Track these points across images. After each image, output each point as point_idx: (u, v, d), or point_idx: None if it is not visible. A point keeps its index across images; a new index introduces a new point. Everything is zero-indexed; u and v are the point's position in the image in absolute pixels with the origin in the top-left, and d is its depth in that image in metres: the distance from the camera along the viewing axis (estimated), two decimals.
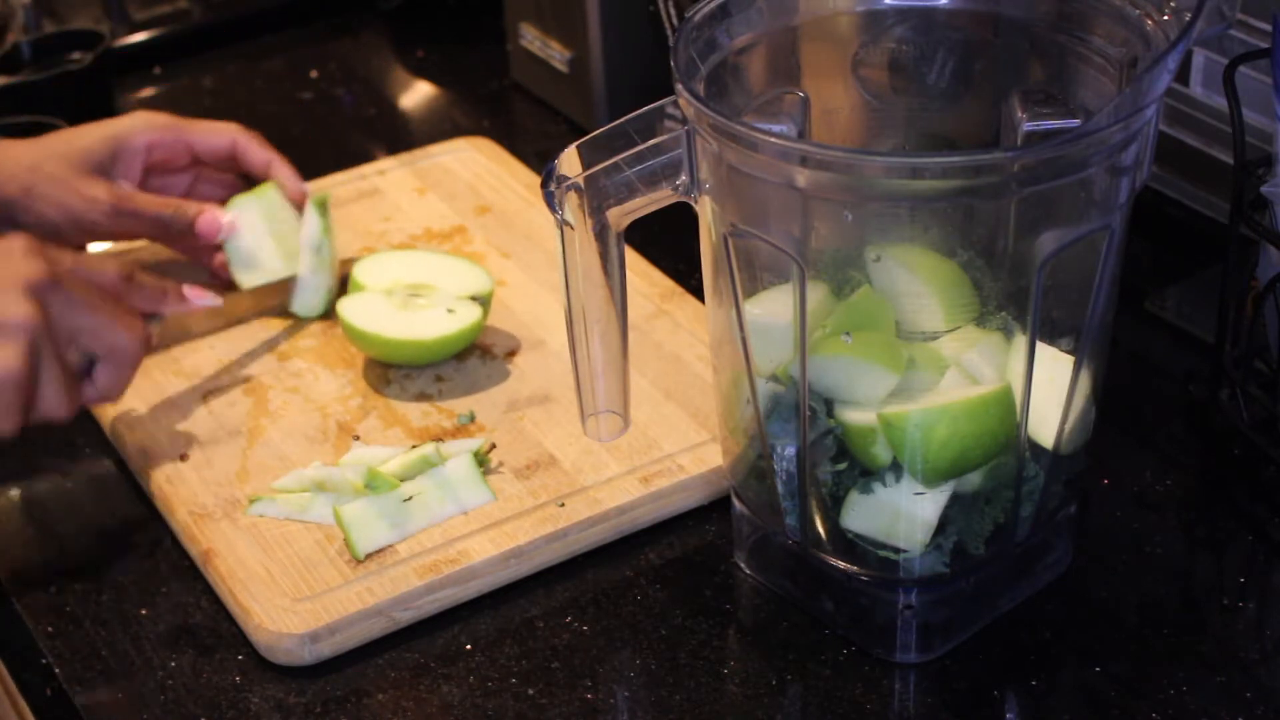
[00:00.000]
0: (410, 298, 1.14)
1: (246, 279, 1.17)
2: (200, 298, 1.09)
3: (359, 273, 1.16)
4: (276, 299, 1.19)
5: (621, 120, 0.87)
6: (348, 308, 1.13)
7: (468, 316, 1.13)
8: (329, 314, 1.18)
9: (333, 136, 1.48)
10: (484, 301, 1.15)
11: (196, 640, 0.98)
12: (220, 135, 1.19)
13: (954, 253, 0.86)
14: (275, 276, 1.18)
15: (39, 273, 0.96)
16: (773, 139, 0.82)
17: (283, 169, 1.20)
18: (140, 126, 1.17)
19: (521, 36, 1.47)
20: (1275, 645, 0.95)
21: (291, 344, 1.17)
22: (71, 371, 0.98)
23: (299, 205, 1.19)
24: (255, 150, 1.20)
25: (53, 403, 0.97)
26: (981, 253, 0.86)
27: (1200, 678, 0.92)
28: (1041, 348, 0.86)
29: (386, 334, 1.12)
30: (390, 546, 1.00)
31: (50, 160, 1.14)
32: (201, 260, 1.20)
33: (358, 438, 1.09)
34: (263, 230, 1.17)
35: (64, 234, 1.14)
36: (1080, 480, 0.95)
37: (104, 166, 1.16)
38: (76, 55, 1.49)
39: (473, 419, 1.09)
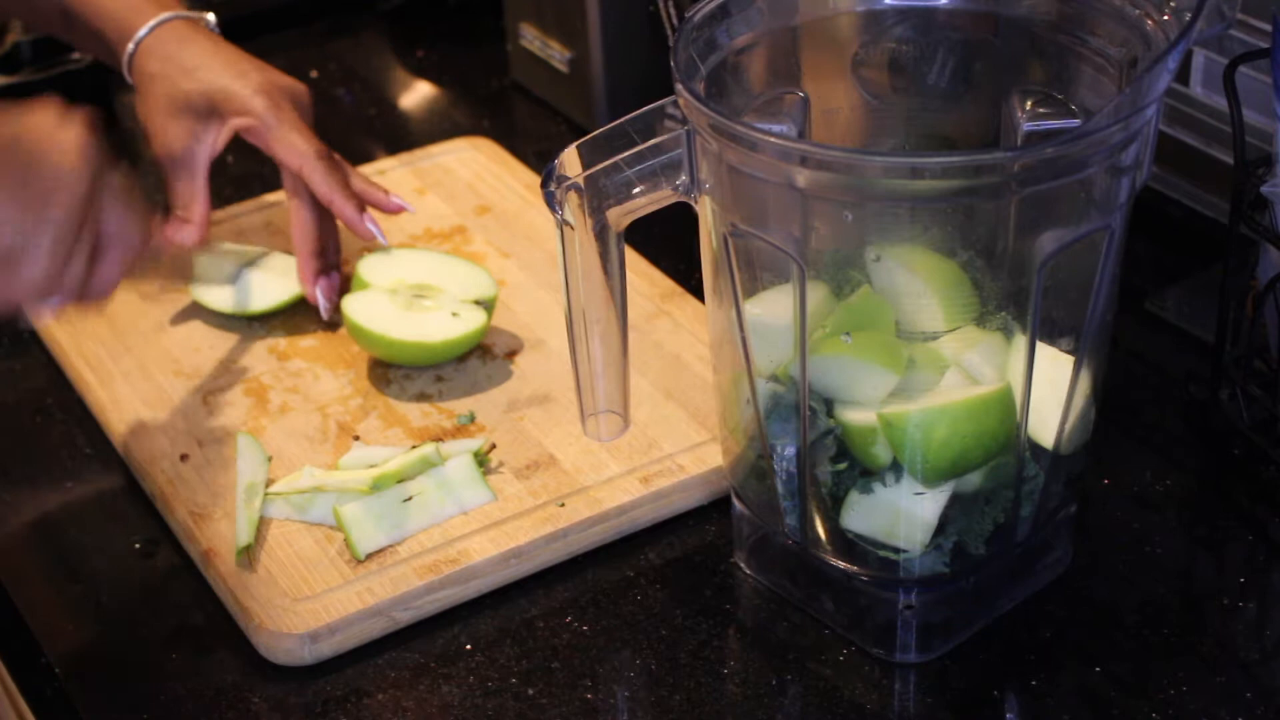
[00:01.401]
0: (415, 299, 1.14)
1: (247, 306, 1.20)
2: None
3: (364, 270, 1.16)
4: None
5: (621, 120, 0.87)
6: (353, 305, 1.13)
7: (473, 321, 1.13)
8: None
9: (333, 136, 1.47)
10: (488, 306, 1.15)
11: (196, 640, 0.98)
12: (293, 156, 1.18)
13: (954, 253, 0.86)
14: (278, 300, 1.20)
15: (92, 143, 0.98)
16: (773, 139, 0.82)
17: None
18: (238, 105, 1.18)
19: (521, 36, 1.47)
20: (1275, 645, 0.95)
21: (291, 344, 1.17)
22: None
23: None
24: (318, 182, 1.18)
25: (74, 273, 0.96)
26: (981, 253, 0.86)
27: (1200, 678, 0.92)
28: (1041, 348, 0.86)
29: (392, 335, 1.12)
30: (390, 546, 1.00)
31: (163, 78, 1.19)
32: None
33: (358, 438, 1.09)
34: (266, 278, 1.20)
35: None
36: (1080, 480, 0.95)
37: (193, 117, 1.19)
38: (76, 55, 1.49)
39: (473, 419, 1.09)
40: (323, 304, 1.18)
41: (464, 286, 1.15)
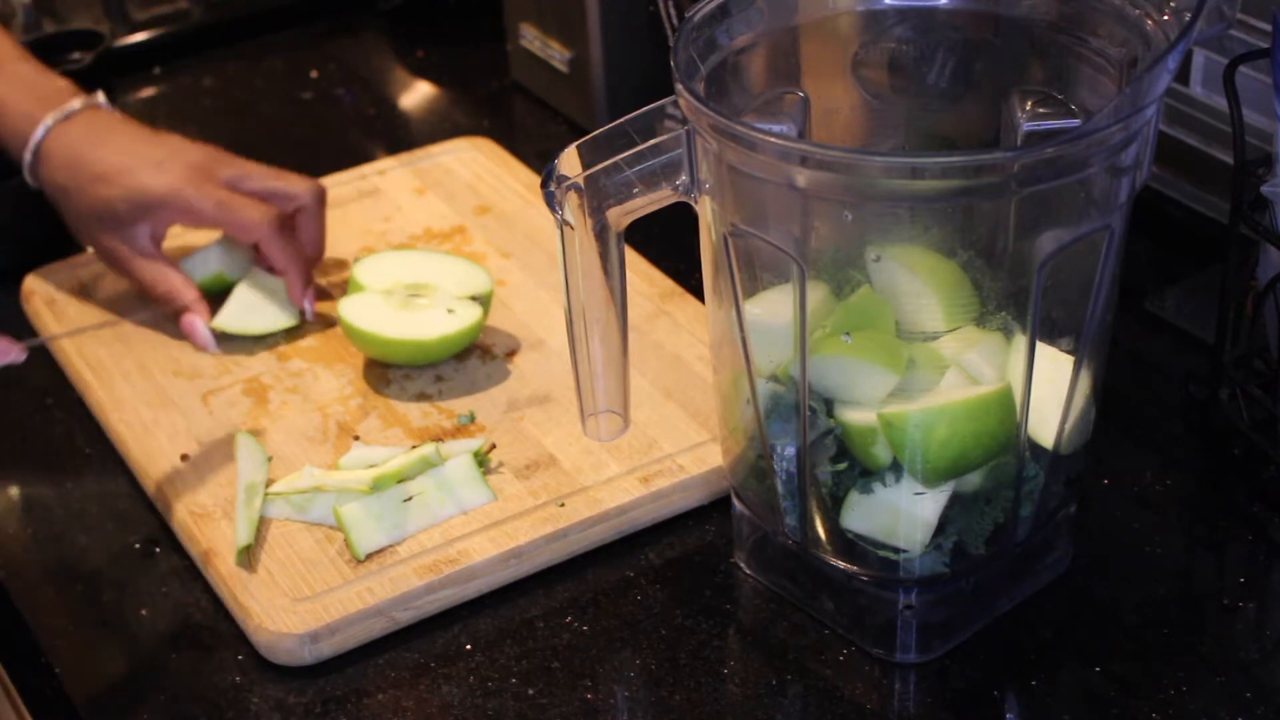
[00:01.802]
0: (410, 298, 1.14)
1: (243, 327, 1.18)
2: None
3: (359, 273, 1.16)
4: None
5: (621, 120, 0.87)
6: (348, 308, 1.13)
7: (468, 316, 1.13)
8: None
9: (333, 136, 1.48)
10: (484, 301, 1.15)
11: (196, 640, 0.98)
12: (248, 234, 1.16)
13: (954, 253, 0.86)
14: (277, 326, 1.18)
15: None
16: (773, 139, 0.82)
17: (294, 283, 1.17)
18: (173, 204, 1.15)
19: (521, 36, 1.47)
20: (1275, 645, 0.95)
21: (291, 344, 1.17)
22: None
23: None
24: (276, 255, 1.17)
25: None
26: (981, 253, 0.86)
27: (1200, 678, 0.92)
28: (1041, 348, 0.86)
29: (387, 334, 1.12)
30: (390, 546, 1.00)
31: (76, 190, 1.16)
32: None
33: (358, 438, 1.09)
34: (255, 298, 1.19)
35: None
36: (1080, 480, 0.95)
37: (123, 224, 1.16)
38: (76, 55, 1.49)
39: (473, 419, 1.09)
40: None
41: (459, 283, 1.15)
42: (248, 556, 0.99)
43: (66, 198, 1.17)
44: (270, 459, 1.06)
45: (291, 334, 1.18)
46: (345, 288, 1.18)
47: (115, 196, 1.15)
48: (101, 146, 1.17)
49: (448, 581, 0.98)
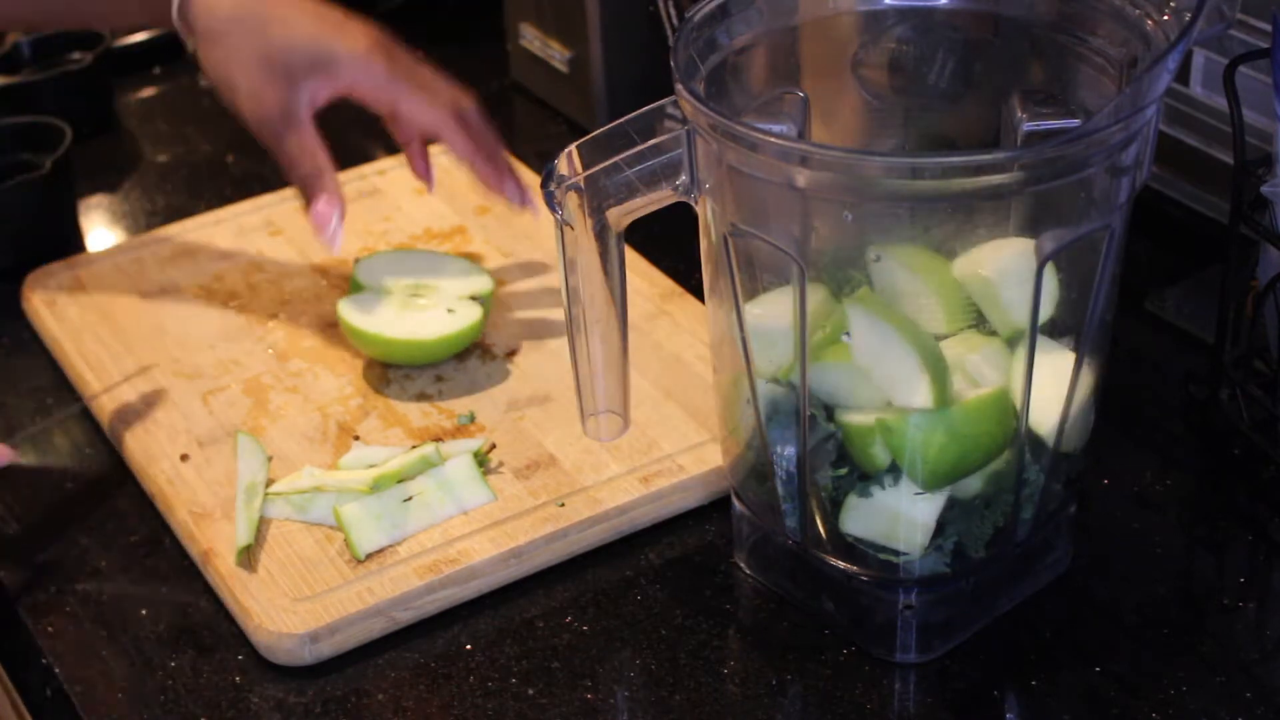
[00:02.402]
0: (411, 298, 1.14)
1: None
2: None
3: (359, 272, 1.16)
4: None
5: (621, 120, 0.87)
6: (347, 308, 1.13)
7: (468, 316, 1.13)
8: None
9: (333, 136, 1.47)
10: (484, 301, 1.15)
11: (196, 640, 0.98)
12: (429, 117, 1.08)
13: (954, 253, 0.86)
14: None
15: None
16: (773, 139, 0.82)
17: (486, 170, 1.10)
18: (355, 65, 1.06)
19: (521, 36, 1.47)
20: (1275, 645, 0.95)
21: (291, 344, 1.17)
22: None
23: (499, 194, 1.11)
24: (458, 144, 1.09)
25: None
26: None
27: (1200, 678, 0.92)
28: (1042, 347, 0.86)
29: (387, 334, 1.12)
30: (390, 546, 1.00)
31: (245, 26, 1.05)
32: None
33: (358, 438, 1.09)
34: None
35: (217, 85, 1.09)
36: (1080, 480, 0.95)
37: (294, 73, 1.06)
38: (76, 55, 1.49)
39: (473, 419, 1.09)
40: (525, 200, 1.10)
41: (459, 283, 1.15)
42: (248, 556, 0.99)
43: (230, 32, 1.05)
44: (270, 459, 1.06)
45: (291, 334, 1.18)
46: (346, 288, 1.18)
47: (294, 42, 1.05)
48: None
49: (448, 581, 0.98)
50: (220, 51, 1.06)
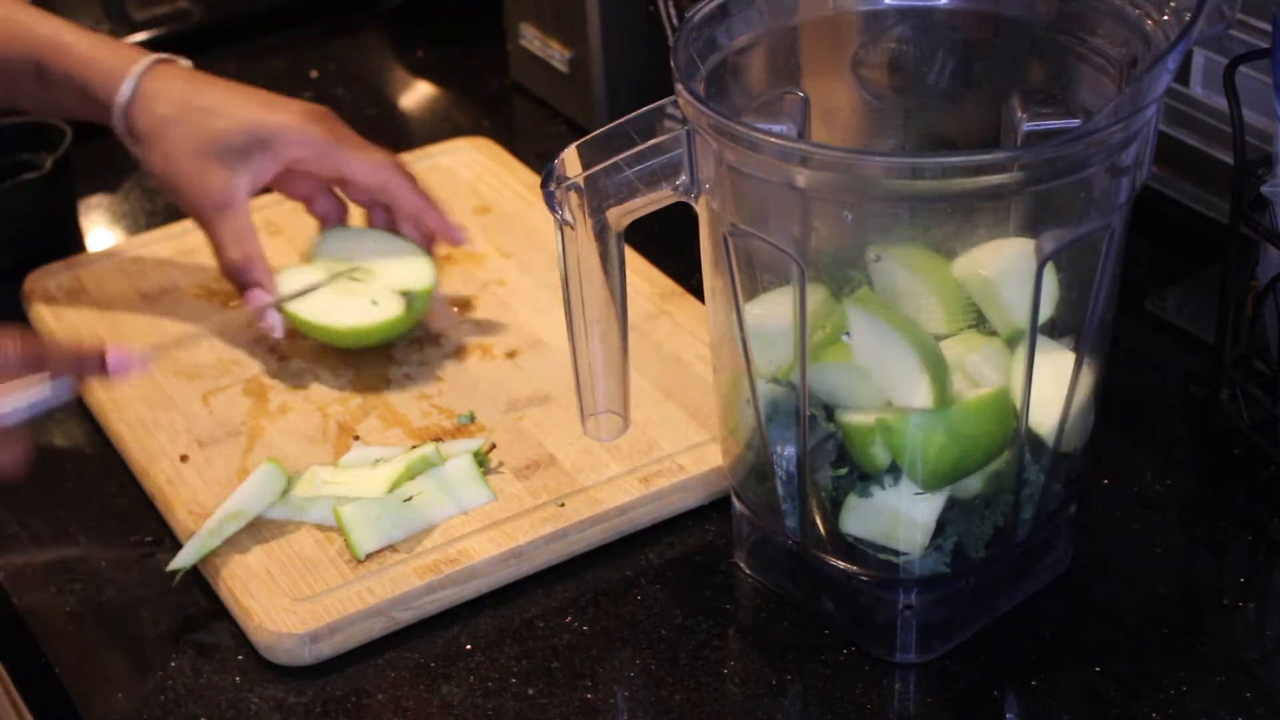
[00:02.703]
0: (348, 280, 1.13)
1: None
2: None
3: (317, 245, 1.15)
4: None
5: (621, 120, 0.87)
6: (284, 275, 1.12)
7: (388, 311, 1.11)
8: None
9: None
10: (416, 298, 1.13)
11: (196, 640, 0.98)
12: (374, 172, 1.13)
13: (954, 253, 0.86)
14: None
15: None
16: (773, 139, 0.82)
17: (436, 219, 1.14)
18: (293, 137, 1.11)
19: (521, 36, 1.47)
20: (1275, 645, 0.95)
21: (291, 344, 1.17)
22: None
23: (447, 240, 1.15)
24: (407, 196, 1.14)
25: None
26: None
27: (1200, 678, 0.92)
28: (1042, 347, 0.86)
29: (301, 315, 1.11)
30: (390, 546, 1.00)
31: (182, 121, 1.10)
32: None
33: (358, 438, 1.09)
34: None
35: (160, 184, 1.13)
36: (1080, 480, 0.95)
37: (234, 156, 1.10)
38: None
39: (473, 419, 1.09)
40: (463, 238, 1.15)
41: (398, 274, 1.14)
42: (185, 577, 0.99)
43: (165, 131, 1.10)
44: (285, 493, 1.03)
45: (292, 334, 1.17)
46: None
47: (230, 127, 1.09)
48: (206, 87, 1.12)
49: (448, 581, 0.98)
50: (161, 152, 1.12)
